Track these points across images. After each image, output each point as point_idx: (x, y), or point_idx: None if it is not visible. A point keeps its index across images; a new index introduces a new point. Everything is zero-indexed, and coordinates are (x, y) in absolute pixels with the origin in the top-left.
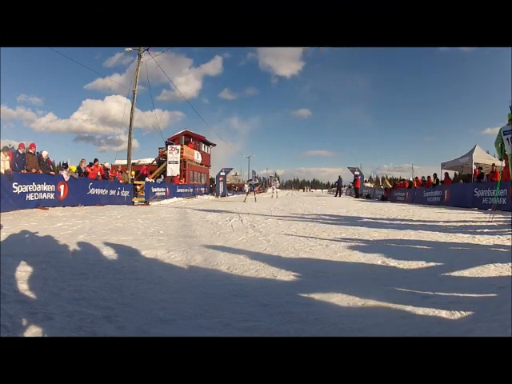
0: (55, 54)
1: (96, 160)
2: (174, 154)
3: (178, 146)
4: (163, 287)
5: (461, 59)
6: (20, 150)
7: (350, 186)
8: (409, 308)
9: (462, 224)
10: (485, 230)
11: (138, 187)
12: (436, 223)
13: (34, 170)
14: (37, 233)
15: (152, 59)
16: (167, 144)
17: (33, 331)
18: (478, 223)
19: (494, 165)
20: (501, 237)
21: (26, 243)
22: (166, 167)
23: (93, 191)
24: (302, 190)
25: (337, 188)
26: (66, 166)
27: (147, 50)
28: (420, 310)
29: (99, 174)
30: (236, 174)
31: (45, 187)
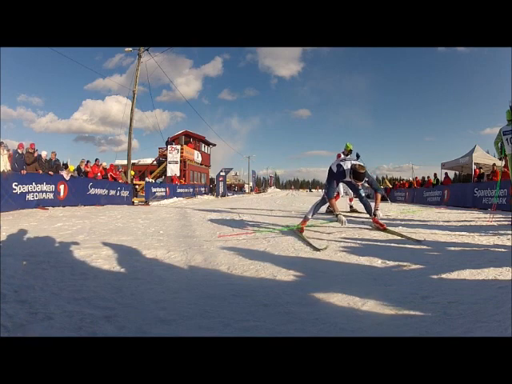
0: (55, 53)
1: (97, 159)
2: (173, 154)
3: (178, 146)
4: (163, 287)
5: (461, 59)
6: (19, 150)
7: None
8: (409, 308)
9: (462, 224)
10: (485, 230)
11: (137, 187)
12: (436, 223)
13: (34, 169)
14: (37, 233)
15: (152, 59)
16: (167, 144)
17: (33, 331)
18: (478, 223)
19: (494, 165)
20: (501, 237)
21: (26, 243)
22: (165, 167)
23: (93, 191)
24: (302, 190)
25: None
26: (66, 166)
27: (147, 50)
28: (420, 310)
29: (99, 174)
30: (236, 174)
31: (45, 187)
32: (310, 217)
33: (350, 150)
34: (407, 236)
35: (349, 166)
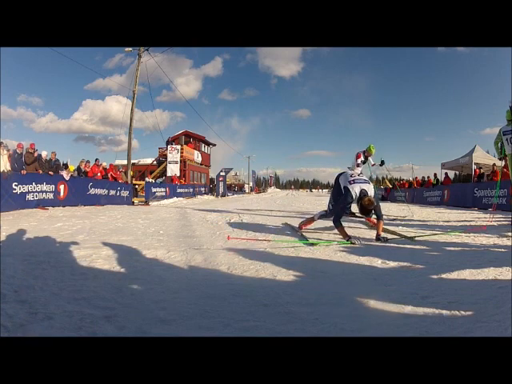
0: (55, 53)
1: (97, 159)
2: (174, 154)
3: (178, 146)
4: (163, 287)
5: (461, 59)
6: (18, 150)
7: None
8: (408, 308)
9: (462, 224)
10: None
11: (137, 187)
12: (436, 223)
13: (34, 166)
14: (37, 233)
15: (152, 59)
16: (168, 143)
17: (33, 331)
18: (478, 223)
19: (494, 165)
20: (501, 237)
21: (26, 243)
22: (165, 167)
23: (93, 191)
24: (302, 190)
25: None
26: (66, 166)
27: (147, 50)
28: (420, 310)
29: (99, 174)
30: (236, 174)
31: (45, 187)
32: (316, 218)
33: (366, 160)
34: (401, 234)
35: (357, 193)
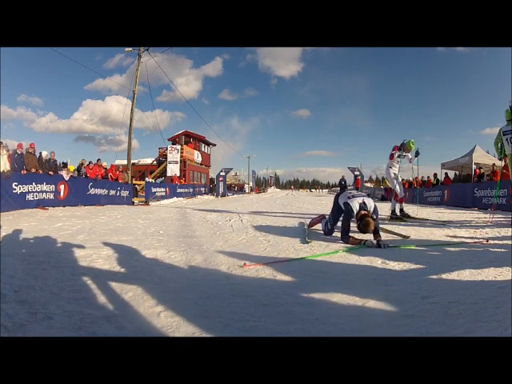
0: (55, 53)
1: (98, 160)
2: (173, 154)
3: (178, 146)
4: (163, 287)
5: (460, 59)
6: (18, 150)
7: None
8: (408, 308)
9: (462, 224)
10: (485, 230)
11: (137, 187)
12: (436, 223)
13: (33, 170)
14: (37, 233)
15: (152, 59)
16: (173, 142)
17: (33, 331)
18: (479, 223)
19: (494, 165)
20: (501, 237)
21: (26, 243)
22: (165, 167)
23: (93, 191)
24: (302, 190)
25: (341, 189)
26: (65, 166)
27: (147, 50)
28: (420, 310)
29: (99, 175)
30: (236, 174)
31: (45, 187)
32: (326, 217)
33: (402, 155)
34: (394, 232)
35: (357, 206)
